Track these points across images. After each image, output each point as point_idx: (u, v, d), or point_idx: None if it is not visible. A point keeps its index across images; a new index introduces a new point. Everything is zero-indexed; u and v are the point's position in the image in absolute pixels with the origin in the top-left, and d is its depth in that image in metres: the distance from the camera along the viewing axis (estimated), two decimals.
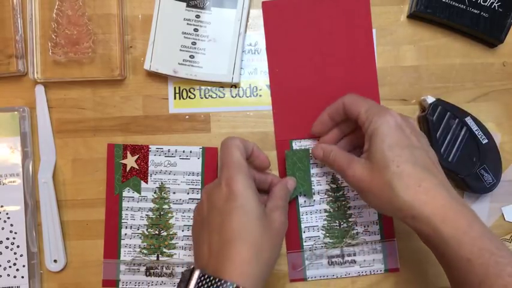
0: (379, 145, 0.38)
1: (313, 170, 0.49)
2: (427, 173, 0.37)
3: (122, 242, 0.48)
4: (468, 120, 0.47)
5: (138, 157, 0.48)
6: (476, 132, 0.47)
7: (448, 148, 0.47)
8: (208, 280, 0.34)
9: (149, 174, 0.48)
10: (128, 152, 0.48)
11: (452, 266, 0.35)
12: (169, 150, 0.49)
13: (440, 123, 0.47)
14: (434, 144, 0.47)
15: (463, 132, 0.47)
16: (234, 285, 0.33)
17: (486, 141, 0.47)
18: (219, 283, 0.33)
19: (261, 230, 0.37)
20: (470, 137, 0.47)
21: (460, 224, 0.34)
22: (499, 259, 0.33)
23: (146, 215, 0.48)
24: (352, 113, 0.42)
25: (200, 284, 0.34)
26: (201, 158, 0.48)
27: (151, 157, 0.49)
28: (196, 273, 0.35)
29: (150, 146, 0.48)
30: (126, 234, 0.48)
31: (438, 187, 0.36)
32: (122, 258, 0.48)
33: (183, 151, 0.48)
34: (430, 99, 0.48)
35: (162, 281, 0.48)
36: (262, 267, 0.36)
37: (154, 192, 0.48)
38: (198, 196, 0.48)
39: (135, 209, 0.48)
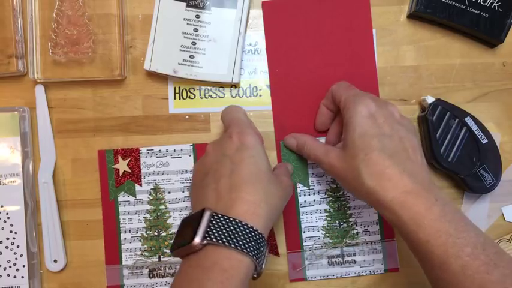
0: (350, 134, 0.39)
1: (313, 170, 0.49)
2: (392, 160, 0.37)
3: (122, 246, 0.48)
4: (468, 120, 0.47)
5: (130, 160, 0.48)
6: (476, 132, 0.47)
7: (448, 148, 0.47)
8: (221, 219, 0.34)
9: (142, 177, 0.48)
10: (119, 157, 0.48)
11: (415, 249, 0.37)
12: (160, 151, 0.49)
13: (440, 123, 0.47)
14: (434, 144, 0.47)
15: (462, 132, 0.47)
16: (248, 225, 0.34)
17: (486, 141, 0.47)
18: (232, 221, 0.34)
19: (270, 179, 0.39)
20: (470, 137, 0.47)
21: (419, 208, 0.35)
22: (457, 240, 0.34)
23: (144, 217, 0.48)
24: (336, 102, 0.44)
25: (213, 221, 0.34)
26: (192, 155, 0.48)
27: (143, 159, 0.49)
28: (208, 213, 0.35)
29: (140, 148, 0.48)
30: (125, 238, 0.48)
31: (402, 174, 0.37)
32: (124, 262, 0.48)
33: (174, 150, 0.49)
34: (430, 99, 0.48)
35: (167, 282, 0.48)
36: (271, 210, 0.37)
37: (150, 194, 0.48)
38: None
39: (132, 213, 0.48)
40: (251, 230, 0.34)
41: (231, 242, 0.33)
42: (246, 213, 0.35)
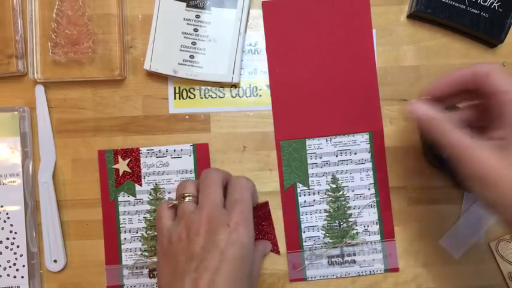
0: None
1: (313, 170, 0.49)
2: None
3: (122, 246, 0.48)
4: None
5: (130, 160, 0.48)
6: None
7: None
8: None
9: (142, 177, 0.48)
10: (119, 157, 0.48)
11: None
12: (160, 151, 0.49)
13: None
14: (432, 145, 0.45)
15: None
16: None
17: None
18: None
19: (248, 283, 0.37)
20: None
21: None
22: None
23: (144, 217, 0.48)
24: (487, 90, 0.35)
25: None
26: (192, 155, 0.48)
27: (143, 159, 0.49)
28: None
29: (140, 148, 0.48)
30: (125, 238, 0.48)
31: None
32: (124, 262, 0.48)
33: (174, 150, 0.48)
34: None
35: None
36: None
37: (150, 194, 0.48)
38: None
39: (132, 213, 0.48)
40: None
41: None
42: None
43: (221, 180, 0.40)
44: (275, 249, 0.48)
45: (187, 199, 0.40)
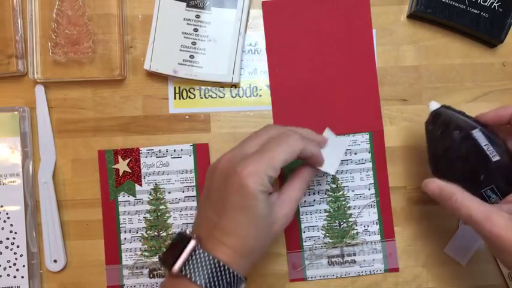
0: None
1: None
2: None
3: (122, 246, 0.48)
4: (476, 133, 0.39)
5: (130, 160, 0.48)
6: (486, 148, 0.39)
7: (451, 162, 0.41)
8: (203, 256, 0.34)
9: (143, 177, 0.48)
10: (119, 157, 0.48)
11: None
12: (160, 151, 0.49)
13: (443, 134, 0.40)
14: (433, 157, 0.42)
15: (469, 147, 0.39)
16: (230, 270, 0.34)
17: (498, 158, 0.39)
18: (214, 262, 0.34)
19: (263, 231, 0.36)
20: (477, 153, 0.39)
21: None
22: None
23: (144, 217, 0.48)
24: None
25: (196, 255, 0.34)
26: (192, 155, 0.48)
27: (143, 159, 0.49)
28: (192, 244, 0.35)
29: (140, 148, 0.48)
30: (125, 238, 0.48)
31: None
32: (124, 262, 0.48)
33: (174, 150, 0.48)
34: (433, 106, 0.42)
35: None
36: (259, 251, 0.37)
37: (150, 194, 0.48)
38: (194, 194, 0.48)
39: (132, 213, 0.48)
40: (232, 275, 0.34)
41: (207, 284, 0.33)
42: (231, 256, 0.34)
43: (296, 151, 0.37)
44: None
45: None
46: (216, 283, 0.34)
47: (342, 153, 0.42)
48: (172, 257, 0.35)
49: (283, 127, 0.39)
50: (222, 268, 0.34)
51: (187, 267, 0.34)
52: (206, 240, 0.35)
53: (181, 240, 0.36)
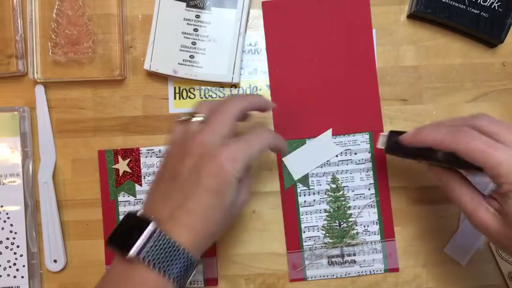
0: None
1: (313, 170, 0.49)
2: None
3: None
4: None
5: (130, 160, 0.48)
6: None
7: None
8: (162, 240, 0.33)
9: (143, 177, 0.48)
10: (119, 157, 0.48)
11: None
12: (160, 151, 0.49)
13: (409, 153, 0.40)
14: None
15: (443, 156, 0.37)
16: (189, 254, 0.33)
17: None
18: (173, 247, 0.33)
19: (225, 217, 0.36)
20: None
21: None
22: None
23: None
24: (479, 161, 0.34)
25: (154, 239, 0.33)
26: None
27: (143, 159, 0.49)
28: (151, 229, 0.33)
29: (140, 148, 0.48)
30: None
31: None
32: None
33: None
34: (380, 145, 0.42)
35: None
36: (209, 243, 0.36)
37: None
38: None
39: None
40: (189, 259, 0.33)
41: (165, 270, 0.33)
42: (192, 239, 0.34)
43: (239, 112, 0.38)
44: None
45: (194, 119, 0.38)
46: (173, 268, 0.33)
47: (321, 160, 0.43)
48: (125, 240, 0.33)
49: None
50: (180, 252, 0.33)
51: (143, 251, 0.32)
52: (166, 222, 0.34)
53: (135, 222, 0.34)
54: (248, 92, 0.49)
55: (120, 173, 0.48)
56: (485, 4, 0.47)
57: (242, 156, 0.35)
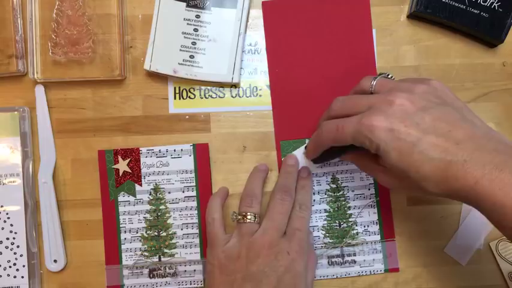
0: (388, 163, 0.36)
1: (313, 170, 0.49)
2: (444, 162, 0.34)
3: (122, 246, 0.48)
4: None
5: (130, 160, 0.48)
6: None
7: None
8: None
9: (143, 177, 0.48)
10: (119, 157, 0.48)
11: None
12: (160, 151, 0.49)
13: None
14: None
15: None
16: None
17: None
18: None
19: None
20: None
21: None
22: None
23: (144, 217, 0.48)
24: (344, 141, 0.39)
25: None
26: (192, 155, 0.48)
27: (143, 159, 0.49)
28: None
29: (140, 148, 0.48)
30: (125, 238, 0.48)
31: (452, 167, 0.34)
32: (124, 262, 0.48)
33: (174, 150, 0.48)
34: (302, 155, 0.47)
35: (167, 282, 0.48)
36: None
37: (150, 194, 0.48)
38: (194, 194, 0.48)
39: (132, 213, 0.48)
40: None
41: None
42: None
43: (289, 210, 0.43)
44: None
45: (250, 218, 0.42)
46: None
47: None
48: None
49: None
50: None
51: None
52: None
53: None
54: (248, 93, 0.49)
55: (120, 173, 0.48)
56: (485, 4, 0.47)
57: (304, 245, 0.42)
